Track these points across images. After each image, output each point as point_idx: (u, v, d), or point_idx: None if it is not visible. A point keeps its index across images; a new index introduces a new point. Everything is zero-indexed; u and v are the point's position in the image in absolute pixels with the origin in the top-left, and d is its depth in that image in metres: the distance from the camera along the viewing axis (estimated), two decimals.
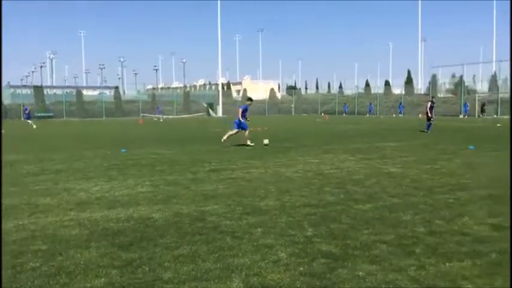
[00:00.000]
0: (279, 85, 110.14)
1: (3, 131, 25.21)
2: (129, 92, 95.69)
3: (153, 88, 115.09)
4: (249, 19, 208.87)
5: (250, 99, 18.52)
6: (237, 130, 16.83)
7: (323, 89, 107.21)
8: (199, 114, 66.97)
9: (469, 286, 3.84)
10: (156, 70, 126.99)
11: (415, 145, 16.28)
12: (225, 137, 16.74)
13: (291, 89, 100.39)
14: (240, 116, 16.65)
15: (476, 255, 4.57)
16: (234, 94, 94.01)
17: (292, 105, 77.05)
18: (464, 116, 49.92)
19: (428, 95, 59.10)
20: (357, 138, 20.25)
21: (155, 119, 51.58)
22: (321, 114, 69.48)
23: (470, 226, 5.61)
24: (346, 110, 67.18)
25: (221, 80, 78.63)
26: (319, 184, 8.56)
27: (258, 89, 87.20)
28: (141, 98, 73.89)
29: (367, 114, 61.36)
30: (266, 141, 16.84)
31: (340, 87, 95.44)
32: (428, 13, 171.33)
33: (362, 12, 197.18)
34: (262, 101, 76.70)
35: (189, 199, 7.34)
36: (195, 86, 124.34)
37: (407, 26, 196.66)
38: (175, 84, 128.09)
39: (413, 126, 30.02)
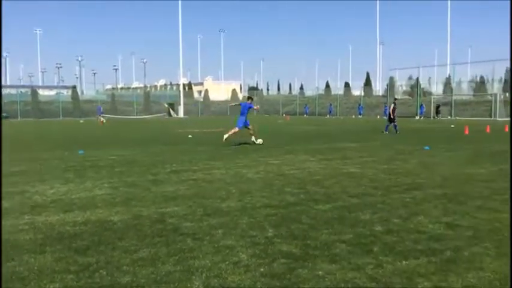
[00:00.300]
0: (240, 86, 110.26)
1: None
2: (87, 92, 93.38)
3: (113, 88, 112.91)
4: (211, 19, 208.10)
5: (250, 97, 19.57)
6: (239, 129, 17.23)
7: (284, 90, 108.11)
8: (160, 114, 66.20)
9: (425, 283, 3.94)
10: (116, 70, 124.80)
11: (373, 146, 16.64)
12: (226, 136, 16.90)
13: (253, 89, 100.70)
14: (243, 116, 17.18)
15: (432, 252, 4.70)
16: (196, 95, 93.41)
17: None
18: (420, 117, 51.41)
19: (386, 96, 60.56)
20: (318, 139, 20.52)
21: (99, 120, 47.09)
22: (282, 115, 70.00)
23: (425, 224, 5.77)
24: (307, 111, 67.97)
25: (182, 81, 78.00)
26: (280, 185, 8.61)
27: (220, 90, 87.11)
28: (100, 98, 72.32)
29: (328, 115, 62.28)
30: (260, 141, 17.26)
31: (301, 88, 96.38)
32: (386, 17, 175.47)
33: (322, 14, 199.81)
34: (224, 102, 76.60)
35: (149, 201, 7.23)
36: (155, 86, 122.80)
37: (366, 29, 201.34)
38: (135, 84, 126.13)
39: (372, 127, 30.68)
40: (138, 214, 6.37)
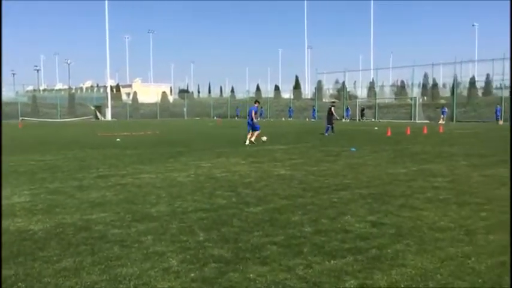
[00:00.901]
0: (171, 88, 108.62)
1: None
2: (6, 94, 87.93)
3: (34, 90, 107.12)
4: (140, 20, 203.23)
5: (257, 101, 21.90)
6: (251, 131, 18.80)
7: (215, 93, 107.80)
8: (87, 117, 63.70)
9: (351, 281, 4.06)
10: (38, 70, 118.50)
11: (303, 148, 17.00)
12: (247, 142, 18.53)
13: (183, 92, 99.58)
14: (253, 116, 18.85)
15: (358, 251, 4.85)
16: (124, 97, 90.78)
17: (185, 109, 76.45)
18: (346, 119, 53.28)
19: (314, 99, 62.20)
20: None
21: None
22: (213, 117, 69.83)
23: (352, 224, 5.96)
24: (239, 114, 68.28)
25: (110, 82, 75.55)
26: (211, 188, 8.55)
27: (149, 92, 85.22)
28: (21, 100, 68.34)
29: (258, 118, 62.89)
30: (264, 138, 18.84)
31: (232, 91, 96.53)
32: (314, 22, 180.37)
33: (252, 17, 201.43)
34: (154, 104, 75.14)
35: (73, 208, 6.91)
36: (81, 88, 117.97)
37: (295, 34, 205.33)
38: (59, 86, 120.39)
39: (301, 130, 31.36)
40: (61, 222, 6.06)
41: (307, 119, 57.37)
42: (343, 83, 61.39)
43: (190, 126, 41.59)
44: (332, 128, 24.53)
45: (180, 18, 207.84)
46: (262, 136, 19.06)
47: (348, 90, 61.54)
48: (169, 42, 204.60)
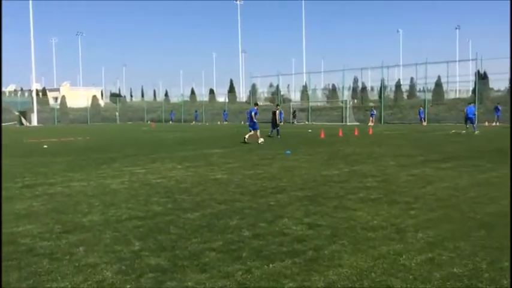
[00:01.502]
0: (102, 92, 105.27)
1: None
2: None
3: None
4: (67, 22, 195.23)
5: (257, 104, 24.43)
6: (252, 131, 21.38)
7: (149, 97, 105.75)
8: (11, 123, 60.27)
9: (290, 284, 4.09)
10: None
11: (239, 151, 17.03)
12: (257, 140, 20.83)
13: (115, 96, 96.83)
14: (253, 118, 21.40)
15: (295, 254, 4.91)
16: (51, 101, 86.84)
17: (117, 113, 74.35)
18: (280, 122, 54.03)
19: (249, 103, 62.65)
20: (184, 146, 20.40)
21: None
22: (147, 122, 68.43)
23: (289, 226, 6.03)
24: (173, 118, 67.37)
25: (35, 86, 71.90)
26: (146, 195, 8.35)
27: (79, 96, 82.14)
28: None
29: (193, 122, 62.40)
30: (261, 140, 20.70)
31: (166, 95, 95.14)
32: (248, 26, 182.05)
33: (185, 19, 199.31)
34: (84, 109, 72.47)
35: None
36: (4, 93, 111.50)
37: (229, 38, 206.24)
38: None
39: (237, 133, 31.45)
40: None
41: (242, 122, 57.65)
42: (277, 86, 62.35)
43: (123, 131, 40.48)
44: (278, 131, 25.33)
45: (110, 20, 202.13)
46: (260, 138, 21.13)
47: (281, 93, 62.52)
48: (100, 45, 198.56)
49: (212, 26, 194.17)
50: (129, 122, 68.51)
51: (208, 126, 50.14)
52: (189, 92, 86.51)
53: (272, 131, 25.56)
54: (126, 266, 4.56)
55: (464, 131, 26.48)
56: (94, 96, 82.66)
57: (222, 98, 76.34)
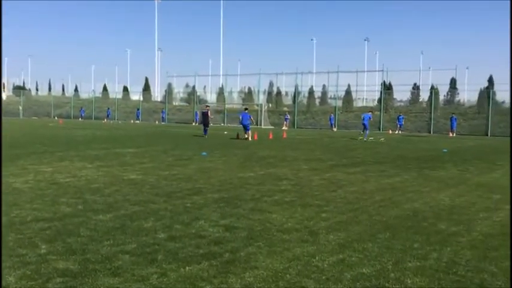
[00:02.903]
0: (4, 85, 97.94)
1: None
2: None
3: None
4: None
5: (246, 108, 29.36)
6: (245, 131, 25.43)
7: (57, 91, 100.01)
8: None
9: (207, 286, 4.08)
10: None
11: (153, 151, 16.67)
12: (245, 136, 25.19)
13: (19, 89, 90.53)
14: (245, 121, 25.31)
15: (212, 256, 4.90)
16: None
17: (21, 108, 69.59)
18: (196, 123, 53.77)
19: (164, 102, 61.62)
20: (95, 144, 19.58)
21: None
22: (54, 118, 64.78)
23: (206, 228, 6.00)
24: (83, 115, 64.40)
25: None
26: (53, 195, 7.89)
27: None
28: None
29: (105, 119, 60.10)
30: (247, 136, 24.54)
31: (76, 90, 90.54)
32: (165, 23, 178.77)
33: (99, 10, 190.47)
34: None
35: None
36: None
37: (145, 34, 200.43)
38: None
39: (151, 133, 30.76)
40: None
41: (157, 122, 56.55)
42: (194, 87, 61.92)
43: (27, 126, 37.97)
44: (206, 131, 27.11)
45: (14, 6, 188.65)
46: (247, 135, 24.95)
47: (198, 94, 62.21)
48: (3, 33, 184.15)
49: (127, 20, 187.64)
50: (34, 117, 64.45)
51: (121, 124, 48.54)
52: (101, 88, 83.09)
53: (206, 131, 27.22)
54: (32, 271, 4.28)
55: (361, 138, 27.69)
56: None
57: (136, 96, 74.16)
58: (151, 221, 6.31)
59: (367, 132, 27.81)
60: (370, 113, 29.76)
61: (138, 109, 61.55)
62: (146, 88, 73.89)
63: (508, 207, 7.86)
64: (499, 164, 14.97)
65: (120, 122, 57.23)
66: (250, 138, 24.85)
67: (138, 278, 4.22)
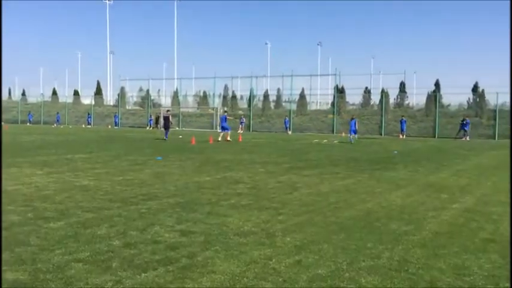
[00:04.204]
0: None
1: None
2: None
3: None
4: None
5: (226, 111, 33.22)
6: (222, 132, 27.61)
7: (3, 95, 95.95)
8: None
9: None
10: None
11: (106, 156, 16.30)
12: (219, 138, 27.01)
13: None
14: (224, 123, 27.62)
15: (169, 261, 4.85)
16: None
17: None
18: (150, 128, 53.00)
19: (117, 106, 60.39)
20: (45, 150, 18.93)
21: None
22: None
23: (162, 234, 5.93)
24: (31, 119, 62.15)
25: None
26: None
27: None
28: None
29: (55, 124, 58.21)
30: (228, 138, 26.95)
31: (24, 94, 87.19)
32: (117, 27, 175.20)
33: (46, 12, 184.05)
34: None
35: None
36: None
37: (96, 37, 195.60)
38: None
39: (103, 138, 30.07)
40: None
41: (109, 126, 55.32)
42: (148, 90, 61.01)
43: None
44: (166, 133, 28.64)
45: None
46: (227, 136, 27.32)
47: (152, 98, 61.35)
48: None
49: (79, 22, 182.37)
50: None
51: (71, 129, 47.14)
52: (50, 92, 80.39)
53: (167, 134, 28.65)
54: None
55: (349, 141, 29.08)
56: None
57: (87, 100, 72.21)
58: (105, 227, 6.17)
59: (354, 135, 30.75)
60: (355, 119, 31.79)
61: (89, 113, 60.01)
62: (98, 92, 72.07)
63: (455, 205, 8.22)
64: (445, 164, 15.60)
65: (70, 126, 55.60)
66: (229, 138, 27.29)
67: (92, 286, 4.12)
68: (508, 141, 31.96)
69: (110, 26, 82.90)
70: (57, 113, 61.21)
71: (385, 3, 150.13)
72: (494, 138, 37.24)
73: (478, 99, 44.72)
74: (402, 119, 40.34)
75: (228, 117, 28.94)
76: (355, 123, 30.38)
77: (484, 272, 4.76)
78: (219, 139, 26.86)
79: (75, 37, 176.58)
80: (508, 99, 44.98)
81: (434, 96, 45.06)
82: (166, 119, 29.53)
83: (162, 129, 31.44)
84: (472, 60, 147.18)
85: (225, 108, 36.62)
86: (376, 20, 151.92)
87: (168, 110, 33.55)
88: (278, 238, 5.86)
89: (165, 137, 28.19)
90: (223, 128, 27.92)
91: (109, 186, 9.65)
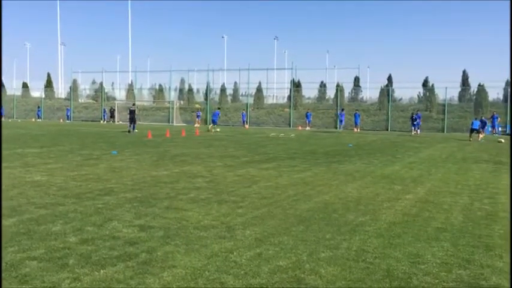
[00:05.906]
0: None
1: None
2: None
3: None
4: None
5: (219, 108, 37.83)
6: (212, 125, 32.41)
7: None
8: None
9: None
10: None
11: (58, 151, 15.80)
12: (212, 130, 31.14)
13: None
14: (215, 117, 32.83)
15: (128, 257, 4.78)
16: None
17: None
18: (104, 121, 51.81)
19: (69, 99, 58.60)
20: None
21: None
22: None
23: (120, 229, 5.83)
24: None
25: None
26: None
27: None
28: None
29: (2, 118, 55.81)
30: (218, 129, 31.29)
31: None
32: (69, 17, 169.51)
33: None
34: None
35: None
36: None
37: (46, 28, 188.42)
38: None
39: (55, 132, 29.14)
40: None
41: (61, 120, 53.59)
42: (101, 83, 59.48)
43: None
44: (134, 126, 29.23)
45: None
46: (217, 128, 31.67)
47: (106, 91, 59.89)
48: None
49: (28, 12, 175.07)
50: None
51: (20, 123, 45.37)
52: None
53: (130, 127, 29.14)
54: None
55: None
56: None
57: (37, 92, 69.61)
58: (60, 224, 6.00)
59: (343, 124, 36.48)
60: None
61: (39, 107, 57.91)
62: (48, 84, 69.54)
63: (409, 196, 8.49)
64: (398, 157, 16.08)
65: (19, 120, 53.49)
66: (217, 130, 31.48)
67: (49, 284, 4.01)
68: (456, 134, 33.28)
69: (61, 16, 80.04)
70: (1, 106, 58.66)
71: None
72: (443, 131, 38.66)
73: (428, 94, 46.18)
74: (356, 113, 41.17)
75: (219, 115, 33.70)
76: (343, 115, 34.59)
77: (437, 259, 4.95)
78: (212, 131, 31.13)
79: (24, 27, 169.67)
80: (455, 94, 46.89)
81: (387, 90, 46.19)
82: (132, 112, 29.87)
83: (125, 123, 32.20)
84: (423, 56, 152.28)
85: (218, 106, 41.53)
86: (330, 14, 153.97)
87: (133, 104, 34.05)
88: (238, 231, 5.87)
89: (132, 130, 28.80)
90: (213, 122, 32.73)
91: (63, 181, 9.38)
